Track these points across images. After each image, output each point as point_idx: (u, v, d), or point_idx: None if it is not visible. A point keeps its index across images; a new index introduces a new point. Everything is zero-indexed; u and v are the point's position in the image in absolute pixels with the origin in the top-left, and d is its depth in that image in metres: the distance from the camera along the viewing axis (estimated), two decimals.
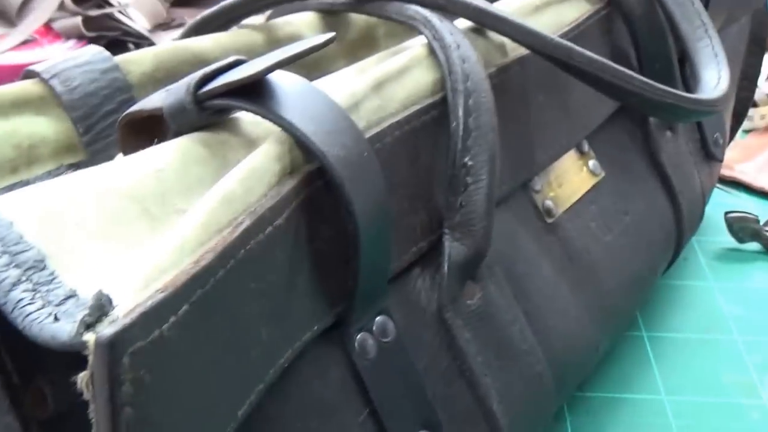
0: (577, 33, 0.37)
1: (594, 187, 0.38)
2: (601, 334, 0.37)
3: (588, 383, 0.42)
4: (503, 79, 0.33)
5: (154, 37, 0.78)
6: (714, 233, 0.55)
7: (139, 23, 0.78)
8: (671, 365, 0.44)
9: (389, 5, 0.32)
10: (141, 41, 0.76)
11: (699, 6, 0.39)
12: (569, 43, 0.32)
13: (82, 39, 0.76)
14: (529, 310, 0.33)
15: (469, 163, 0.29)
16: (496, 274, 0.32)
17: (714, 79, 0.36)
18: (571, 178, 0.38)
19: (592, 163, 0.39)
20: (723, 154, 0.49)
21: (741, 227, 0.53)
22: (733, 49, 0.51)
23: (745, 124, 0.69)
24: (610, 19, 0.39)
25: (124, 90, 0.30)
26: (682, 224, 0.43)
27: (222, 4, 0.35)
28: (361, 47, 0.37)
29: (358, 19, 0.37)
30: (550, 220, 0.36)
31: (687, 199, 0.44)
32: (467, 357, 0.30)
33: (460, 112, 0.29)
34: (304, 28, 0.35)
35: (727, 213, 0.53)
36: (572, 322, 0.35)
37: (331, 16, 0.36)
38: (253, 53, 0.33)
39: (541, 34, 0.31)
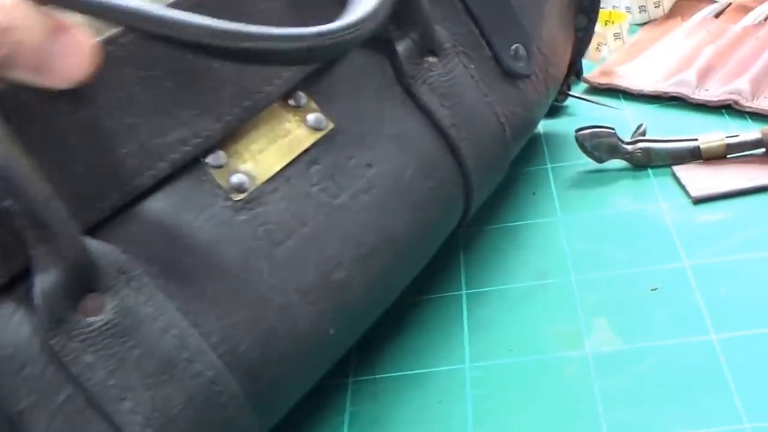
0: None
1: (316, 144, 0.35)
2: (332, 314, 0.34)
3: (380, 364, 0.39)
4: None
5: None
6: (574, 157, 0.50)
7: None
8: (486, 326, 0.40)
9: None
10: None
11: None
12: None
13: None
14: (201, 309, 0.30)
15: None
16: (140, 279, 0.29)
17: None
18: (278, 141, 0.34)
19: (312, 117, 0.35)
20: (533, 66, 0.44)
21: (595, 145, 0.48)
22: None
23: (639, 17, 0.64)
24: None
25: None
26: (465, 163, 0.39)
27: None
28: None
29: None
30: (240, 197, 0.33)
31: (468, 132, 0.40)
32: (91, 384, 0.27)
33: None
34: None
35: (576, 131, 0.49)
36: (274, 311, 0.32)
37: None
38: None
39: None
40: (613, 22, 0.61)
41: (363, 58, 0.38)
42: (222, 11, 0.31)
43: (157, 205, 0.31)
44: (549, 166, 0.51)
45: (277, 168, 0.34)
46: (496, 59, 0.42)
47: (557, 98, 0.55)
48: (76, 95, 0.28)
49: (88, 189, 0.29)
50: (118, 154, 0.29)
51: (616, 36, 0.60)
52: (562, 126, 0.54)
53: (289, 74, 0.35)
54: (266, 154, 0.34)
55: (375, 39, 0.38)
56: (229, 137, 0.33)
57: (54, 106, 0.28)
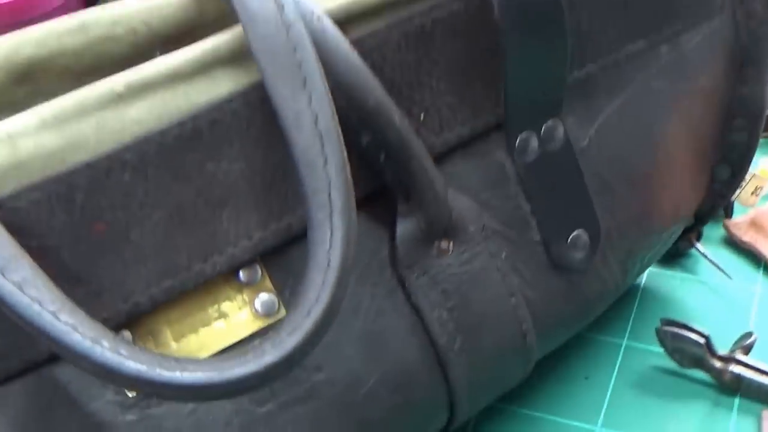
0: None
1: (257, 334, 0.30)
2: None
3: None
4: None
5: None
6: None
7: None
8: None
9: None
10: None
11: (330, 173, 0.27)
12: None
13: None
14: None
15: None
16: None
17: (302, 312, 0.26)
18: (211, 324, 0.29)
19: (263, 298, 0.30)
20: (595, 260, 0.35)
21: (677, 348, 0.39)
22: (693, 68, 0.36)
23: None
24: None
25: None
26: (454, 381, 0.32)
27: None
28: None
29: None
30: (132, 393, 0.28)
31: (469, 342, 0.32)
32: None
33: None
34: None
35: (662, 322, 0.40)
36: None
37: None
38: None
39: None
40: None
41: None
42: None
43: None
44: (625, 341, 0.42)
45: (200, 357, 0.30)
46: (545, 245, 0.35)
47: (679, 244, 0.45)
48: None
49: None
50: None
51: None
52: (671, 284, 0.45)
53: (236, 250, 0.30)
54: (189, 339, 0.30)
55: (375, 200, 0.32)
56: (142, 316, 0.29)
57: None
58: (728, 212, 0.48)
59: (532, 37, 0.31)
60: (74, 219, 0.27)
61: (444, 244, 0.32)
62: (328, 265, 0.26)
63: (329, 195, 0.27)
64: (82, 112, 0.27)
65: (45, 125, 0.27)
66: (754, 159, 0.45)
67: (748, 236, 0.46)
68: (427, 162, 0.31)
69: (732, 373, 0.38)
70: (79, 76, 0.32)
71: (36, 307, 0.24)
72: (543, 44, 0.32)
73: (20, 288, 0.24)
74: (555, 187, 0.34)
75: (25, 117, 0.27)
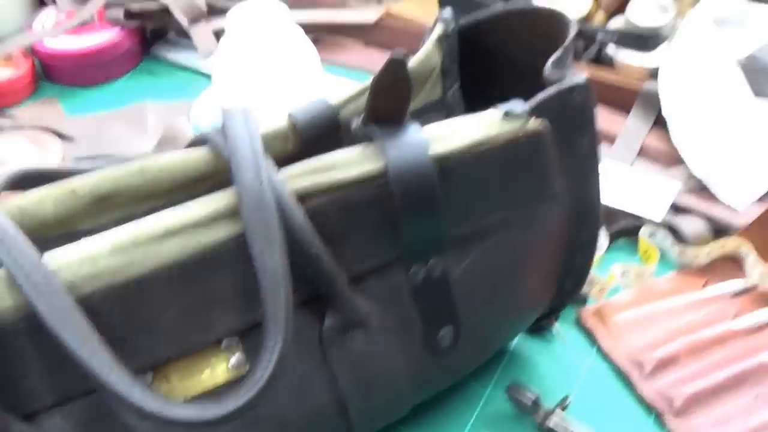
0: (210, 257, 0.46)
1: (227, 382, 0.48)
2: None
3: None
4: None
5: (193, 30, 0.93)
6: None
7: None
8: None
9: None
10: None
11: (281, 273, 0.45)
12: None
13: (126, 27, 0.94)
14: None
15: None
16: None
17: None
18: (203, 372, 0.48)
19: (236, 357, 0.48)
20: (456, 348, 0.53)
21: (518, 402, 0.58)
22: (542, 224, 0.54)
23: (678, 257, 0.68)
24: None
25: None
26: (351, 420, 0.51)
27: None
28: None
29: None
30: None
31: (364, 397, 0.51)
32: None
33: None
34: None
35: (511, 384, 0.58)
36: None
37: None
38: None
39: None
40: (648, 258, 0.67)
41: (300, 318, 0.49)
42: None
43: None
44: (489, 390, 0.61)
45: (189, 395, 0.48)
46: (424, 336, 0.53)
47: (543, 322, 0.63)
48: None
49: None
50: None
51: (638, 274, 0.66)
52: (532, 349, 0.63)
53: (221, 331, 0.48)
54: (188, 380, 0.48)
55: (313, 303, 0.50)
56: (160, 366, 0.47)
57: None
58: (584, 301, 0.66)
59: (419, 214, 0.49)
60: (125, 309, 0.45)
61: (355, 332, 0.51)
62: (271, 358, 0.45)
63: (278, 316, 0.45)
64: (137, 244, 0.45)
65: (114, 251, 0.45)
66: (606, 265, 0.63)
67: (590, 322, 0.64)
68: (346, 287, 0.49)
69: (549, 423, 0.57)
70: (137, 200, 0.51)
71: (100, 369, 0.43)
72: (426, 218, 0.50)
73: (91, 357, 0.43)
74: (433, 300, 0.52)
75: (103, 242, 0.45)
